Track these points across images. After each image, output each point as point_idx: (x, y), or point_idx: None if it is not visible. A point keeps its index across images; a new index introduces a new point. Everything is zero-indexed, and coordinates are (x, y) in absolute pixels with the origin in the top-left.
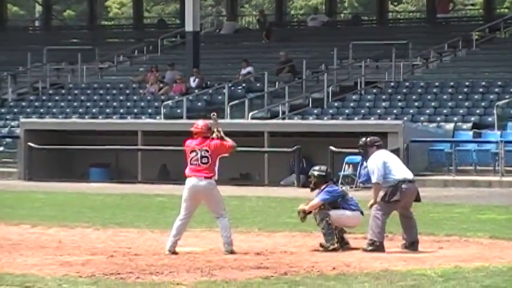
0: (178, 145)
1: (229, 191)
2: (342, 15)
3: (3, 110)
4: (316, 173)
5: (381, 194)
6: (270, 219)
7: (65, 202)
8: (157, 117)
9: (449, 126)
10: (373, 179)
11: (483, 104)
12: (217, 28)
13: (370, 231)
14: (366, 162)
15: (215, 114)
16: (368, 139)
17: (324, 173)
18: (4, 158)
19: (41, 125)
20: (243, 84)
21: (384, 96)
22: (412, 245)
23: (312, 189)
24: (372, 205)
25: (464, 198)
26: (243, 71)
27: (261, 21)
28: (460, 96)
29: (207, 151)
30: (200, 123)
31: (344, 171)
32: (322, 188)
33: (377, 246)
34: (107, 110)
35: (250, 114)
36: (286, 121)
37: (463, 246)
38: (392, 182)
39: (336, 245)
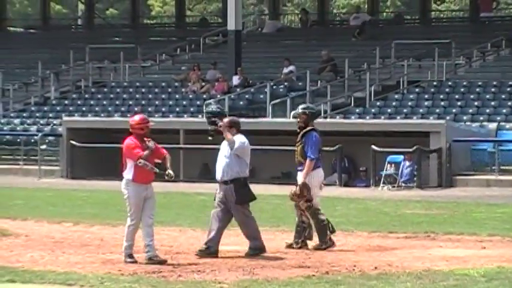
0: (219, 144)
1: (270, 189)
2: (385, 14)
3: (46, 108)
4: (307, 111)
5: (235, 194)
6: None
7: (107, 200)
8: (199, 116)
9: (492, 125)
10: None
11: None
12: (259, 27)
13: (252, 236)
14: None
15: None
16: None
17: (314, 110)
18: (47, 156)
19: (83, 123)
20: (285, 83)
21: (426, 96)
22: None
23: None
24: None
25: (507, 198)
26: (285, 70)
27: (304, 20)
28: (503, 96)
29: None
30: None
31: (386, 170)
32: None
33: (260, 249)
34: (149, 109)
35: (292, 113)
36: (328, 120)
37: (506, 246)
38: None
39: (328, 242)
